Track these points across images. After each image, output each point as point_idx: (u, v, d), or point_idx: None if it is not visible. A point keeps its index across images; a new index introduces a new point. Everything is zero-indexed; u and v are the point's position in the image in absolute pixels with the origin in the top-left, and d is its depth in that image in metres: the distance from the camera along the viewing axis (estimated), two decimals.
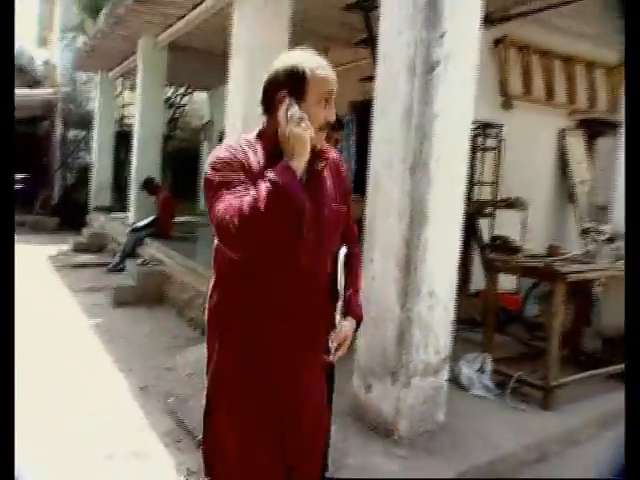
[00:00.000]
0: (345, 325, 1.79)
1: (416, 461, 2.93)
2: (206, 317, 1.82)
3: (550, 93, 6.41)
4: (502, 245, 4.49)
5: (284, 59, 1.67)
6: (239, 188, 1.55)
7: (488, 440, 3.25)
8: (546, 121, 6.44)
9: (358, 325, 1.88)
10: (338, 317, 1.76)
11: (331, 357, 1.76)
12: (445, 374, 3.23)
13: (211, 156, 1.67)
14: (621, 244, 4.34)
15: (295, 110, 1.55)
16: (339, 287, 1.76)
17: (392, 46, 3.07)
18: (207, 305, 1.81)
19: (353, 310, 1.85)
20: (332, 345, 1.74)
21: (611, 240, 4.33)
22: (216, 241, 1.71)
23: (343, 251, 1.81)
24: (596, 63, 6.87)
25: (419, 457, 2.97)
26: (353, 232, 1.96)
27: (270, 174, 1.51)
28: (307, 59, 1.66)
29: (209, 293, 1.80)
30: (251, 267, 1.66)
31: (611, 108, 6.81)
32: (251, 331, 1.71)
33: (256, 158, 1.65)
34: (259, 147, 1.69)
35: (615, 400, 3.76)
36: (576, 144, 6.61)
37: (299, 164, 1.54)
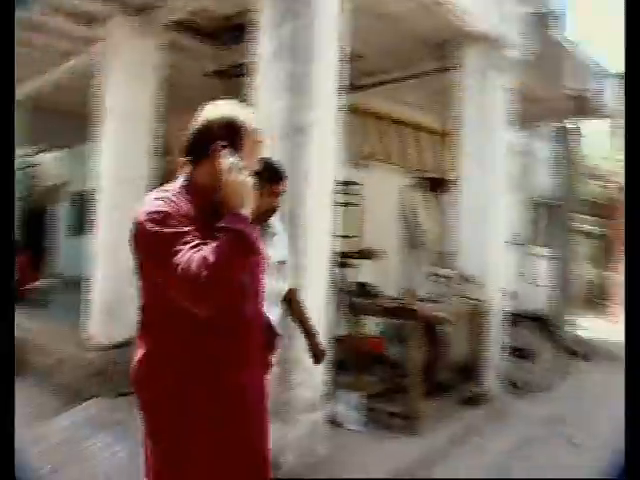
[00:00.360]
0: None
1: None
2: (138, 391, 1.72)
3: (401, 155, 7.25)
4: (364, 291, 4.96)
5: (215, 110, 1.68)
6: (190, 239, 1.51)
7: (365, 468, 3.54)
8: (396, 178, 7.26)
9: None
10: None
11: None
12: (322, 410, 3.50)
13: (145, 210, 1.58)
14: (467, 286, 5.02)
15: (236, 160, 1.58)
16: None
17: (269, 110, 3.43)
18: (136, 378, 1.71)
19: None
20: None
21: (463, 281, 5.00)
22: (142, 302, 1.67)
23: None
24: (435, 130, 7.92)
25: None
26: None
27: (227, 224, 1.50)
28: (240, 111, 1.70)
29: (137, 364, 1.70)
30: (198, 324, 1.59)
31: (450, 168, 7.88)
32: (200, 389, 1.66)
33: (189, 209, 1.61)
34: (186, 198, 1.64)
35: (468, 418, 4.29)
36: (414, 198, 7.47)
37: (248, 211, 1.55)
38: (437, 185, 6.04)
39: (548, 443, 4.63)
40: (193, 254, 1.46)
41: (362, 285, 5.20)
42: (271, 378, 3.25)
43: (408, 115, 7.46)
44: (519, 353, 5.88)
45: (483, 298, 5.09)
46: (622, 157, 14.23)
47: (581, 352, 7.71)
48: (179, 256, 1.46)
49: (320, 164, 3.45)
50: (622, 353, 8.61)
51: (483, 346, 5.14)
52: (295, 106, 3.34)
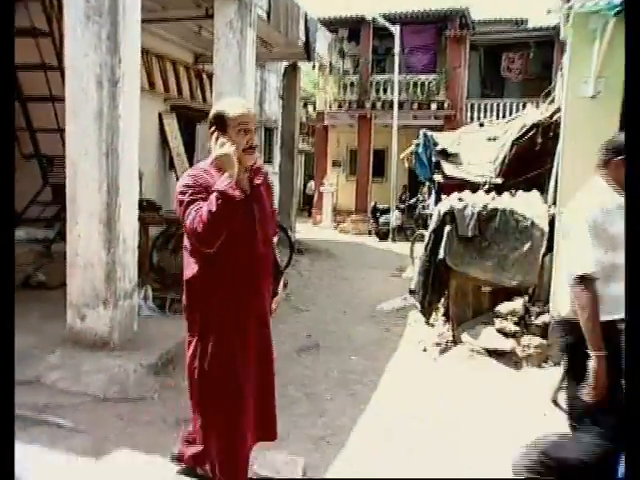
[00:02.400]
0: (279, 298, 2.72)
1: (128, 355, 4.27)
2: (186, 301, 2.50)
3: (152, 83, 7.98)
4: (148, 205, 5.93)
5: (215, 106, 2.43)
6: (198, 203, 2.20)
7: (165, 337, 4.80)
8: (150, 105, 8.03)
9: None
10: (281, 287, 2.69)
11: (273, 313, 2.66)
12: (136, 297, 4.62)
13: (179, 183, 2.34)
14: None
15: (220, 139, 2.27)
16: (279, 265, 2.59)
17: (80, 63, 4.12)
18: (187, 290, 2.47)
19: (279, 285, 2.73)
20: (274, 306, 2.68)
21: None
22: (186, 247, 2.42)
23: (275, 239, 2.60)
24: (178, 61, 8.77)
25: (130, 354, 4.32)
26: (275, 228, 2.73)
27: (215, 186, 2.20)
28: (227, 104, 2.38)
29: (184, 288, 2.48)
30: (218, 258, 2.30)
31: (197, 98, 8.89)
32: (226, 302, 2.38)
33: (212, 178, 2.29)
34: (213, 170, 2.33)
35: None
36: (171, 124, 8.42)
37: (232, 174, 2.21)
38: (190, 114, 7.10)
39: (283, 311, 6.49)
40: (195, 213, 2.19)
41: (146, 201, 6.13)
42: (97, 276, 4.19)
43: (168, 50, 8.20)
44: None
45: None
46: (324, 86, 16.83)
47: (299, 248, 9.95)
48: (187, 215, 2.22)
49: (131, 108, 4.34)
50: (319, 246, 11.37)
51: None
52: (105, 62, 4.12)
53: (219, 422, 2.44)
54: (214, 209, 2.13)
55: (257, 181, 2.44)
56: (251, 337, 2.45)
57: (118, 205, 4.25)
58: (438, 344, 5.25)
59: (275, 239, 2.62)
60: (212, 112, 2.35)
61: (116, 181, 4.23)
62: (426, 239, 5.48)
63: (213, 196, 2.16)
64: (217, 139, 2.27)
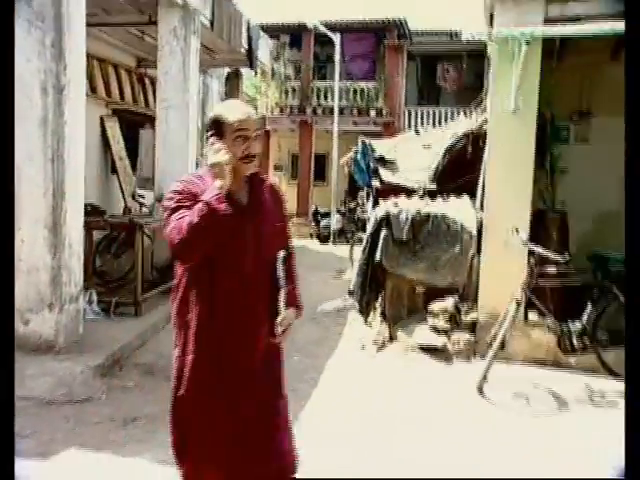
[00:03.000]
0: (289, 314, 2.15)
1: (74, 358, 4.34)
2: (172, 314, 2.22)
3: (93, 87, 7.94)
4: (92, 210, 5.95)
5: (213, 110, 2.17)
6: (183, 212, 1.99)
7: (111, 339, 4.87)
8: (92, 109, 7.98)
9: (298, 315, 2.27)
10: (282, 306, 2.12)
11: (277, 339, 2.15)
12: (82, 301, 4.68)
13: (169, 189, 2.13)
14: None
15: (215, 145, 2.05)
16: (281, 283, 2.12)
17: (23, 69, 4.16)
18: (172, 305, 2.21)
19: (294, 301, 2.23)
20: (278, 330, 2.12)
21: (159, 200, 6.40)
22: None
23: (281, 254, 2.18)
24: (120, 65, 8.75)
25: (76, 357, 4.38)
26: (288, 242, 2.35)
27: (203, 197, 1.98)
28: (226, 108, 2.13)
29: (172, 297, 2.21)
30: (203, 274, 2.08)
31: (139, 102, 8.87)
32: (207, 324, 2.11)
33: (202, 187, 2.06)
34: (209, 178, 2.09)
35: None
36: (113, 128, 8.39)
37: (222, 182, 1.99)
38: (134, 119, 7.15)
39: None
40: (175, 222, 1.99)
41: (90, 205, 6.14)
42: (42, 280, 4.23)
43: (109, 54, 8.17)
44: None
45: None
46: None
47: None
48: (169, 223, 2.02)
49: (76, 115, 4.41)
50: None
51: None
52: (50, 69, 4.18)
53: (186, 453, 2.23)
54: (195, 220, 1.94)
55: (264, 193, 2.21)
56: (239, 371, 2.15)
57: (64, 210, 4.32)
58: (376, 342, 5.55)
59: (280, 255, 2.21)
60: (210, 115, 2.14)
61: (62, 186, 4.29)
62: (364, 242, 5.78)
63: (197, 206, 1.96)
64: (212, 145, 2.07)
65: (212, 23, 7.36)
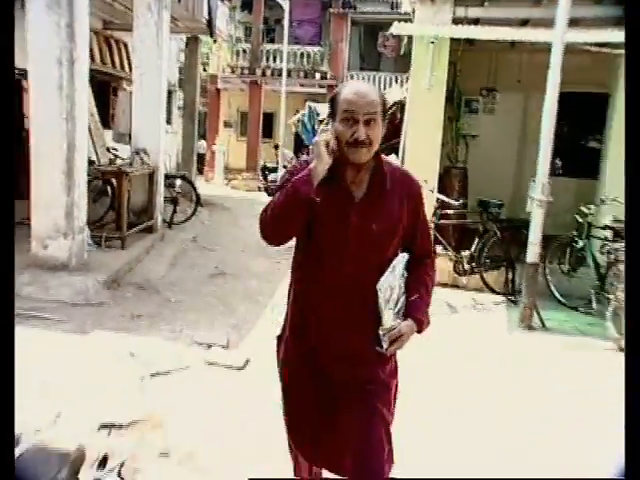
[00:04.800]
0: (402, 326, 1.86)
1: (85, 274, 5.58)
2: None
3: None
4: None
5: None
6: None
7: (108, 264, 6.12)
8: None
9: (421, 329, 1.93)
10: (389, 316, 1.86)
11: (383, 350, 1.86)
12: (86, 232, 5.90)
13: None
14: (141, 156, 7.59)
15: (322, 126, 2.42)
16: (381, 284, 1.84)
17: (44, 46, 5.24)
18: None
19: (414, 313, 1.91)
20: (384, 339, 1.85)
21: (137, 153, 7.55)
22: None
23: (401, 259, 1.91)
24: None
25: (86, 274, 5.63)
26: (426, 248, 2.06)
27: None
28: (343, 86, 1.90)
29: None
30: (306, 269, 1.97)
31: (107, 63, 9.78)
32: (306, 323, 1.99)
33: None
34: None
35: (149, 240, 7.21)
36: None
37: (317, 165, 1.80)
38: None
39: (193, 250, 7.97)
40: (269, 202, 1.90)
41: None
42: (58, 215, 5.43)
43: None
44: (170, 199, 8.89)
45: (152, 164, 7.82)
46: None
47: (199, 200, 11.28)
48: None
49: (83, 83, 5.54)
50: (214, 200, 12.78)
51: (153, 196, 7.96)
52: (68, 46, 5.29)
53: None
54: (277, 201, 1.85)
55: (382, 184, 1.92)
56: (330, 383, 1.97)
57: (75, 159, 5.48)
58: None
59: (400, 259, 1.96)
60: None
61: (74, 140, 5.44)
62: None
63: (284, 189, 1.86)
64: (326, 124, 2.24)
65: None
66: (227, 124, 20.57)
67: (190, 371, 4.06)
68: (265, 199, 15.82)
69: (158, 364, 4.09)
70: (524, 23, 6.81)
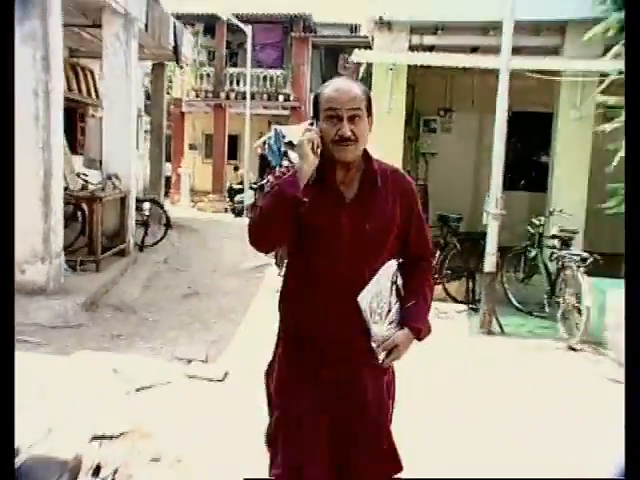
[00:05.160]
0: (397, 335, 1.79)
1: (63, 298, 5.73)
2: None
3: None
4: None
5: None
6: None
7: (84, 287, 6.26)
8: None
9: (419, 337, 1.85)
10: (385, 327, 1.78)
11: (380, 361, 1.80)
12: (62, 256, 6.05)
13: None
14: (113, 181, 7.78)
15: (306, 125, 1.86)
16: (362, 297, 1.75)
17: (19, 78, 5.42)
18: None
19: (410, 321, 1.84)
20: (377, 350, 1.77)
21: (109, 179, 7.74)
22: None
23: (385, 268, 1.82)
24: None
25: (64, 297, 5.77)
26: (422, 247, 1.97)
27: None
28: (324, 85, 1.85)
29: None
30: (298, 271, 1.92)
31: (73, 89, 9.94)
32: (298, 326, 1.91)
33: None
34: None
35: (122, 262, 7.39)
36: None
37: (302, 165, 1.74)
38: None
39: (165, 272, 8.16)
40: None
41: None
42: (35, 240, 5.60)
43: None
44: (141, 222, 9.06)
45: (124, 188, 8.01)
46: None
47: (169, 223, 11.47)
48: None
49: (57, 113, 5.74)
50: (182, 222, 12.98)
51: (125, 220, 8.13)
52: (43, 78, 5.50)
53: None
54: (264, 204, 1.81)
55: (372, 184, 1.87)
56: (323, 391, 1.88)
57: (52, 186, 5.67)
58: None
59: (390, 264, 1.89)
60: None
61: (50, 168, 5.63)
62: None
63: (269, 191, 1.84)
64: (310, 125, 1.87)
65: (147, 26, 8.65)
66: (192, 147, 20.77)
67: (173, 385, 4.27)
68: (232, 220, 16.15)
69: (141, 379, 4.29)
70: (474, 50, 7.32)
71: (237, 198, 16.83)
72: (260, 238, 1.87)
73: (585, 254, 5.27)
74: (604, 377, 4.76)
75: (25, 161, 5.54)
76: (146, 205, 9.27)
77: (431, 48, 7.09)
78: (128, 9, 7.80)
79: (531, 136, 9.16)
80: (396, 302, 1.85)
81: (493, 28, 6.46)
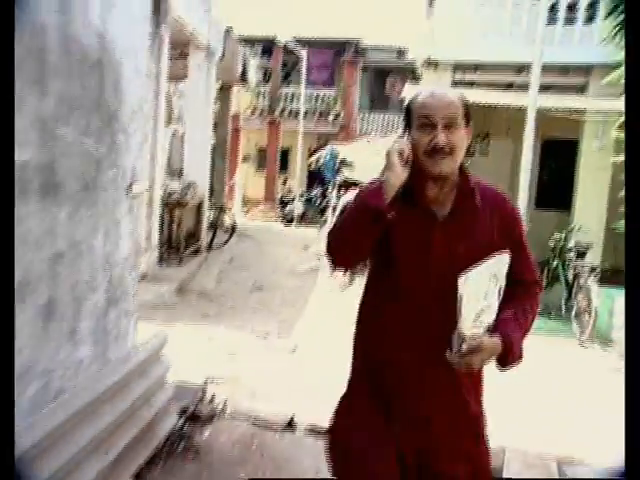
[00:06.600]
0: (485, 338, 1.57)
1: (159, 284, 7.00)
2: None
3: None
4: None
5: None
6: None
7: (173, 276, 7.53)
8: None
9: (506, 352, 1.60)
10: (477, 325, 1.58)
11: (451, 357, 1.57)
12: (156, 251, 7.34)
13: None
14: (194, 188, 9.08)
15: (397, 137, 1.78)
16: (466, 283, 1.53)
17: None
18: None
19: (505, 330, 1.62)
20: (456, 344, 1.55)
21: (188, 187, 9.05)
22: None
23: (501, 257, 1.61)
24: None
25: (159, 284, 7.05)
26: (523, 272, 1.77)
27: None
28: (417, 92, 1.74)
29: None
30: (380, 300, 1.79)
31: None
32: (378, 341, 1.77)
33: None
34: None
35: (198, 258, 8.68)
36: None
37: (388, 176, 1.60)
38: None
39: (232, 270, 9.41)
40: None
41: None
42: None
43: None
44: (212, 227, 10.37)
45: (200, 195, 9.32)
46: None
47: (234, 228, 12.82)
48: None
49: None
50: (238, 229, 14.27)
51: (200, 223, 9.44)
52: None
53: None
54: (345, 216, 1.74)
55: (476, 202, 1.70)
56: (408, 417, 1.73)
57: (154, 190, 6.96)
58: (340, 285, 8.45)
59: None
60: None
61: (154, 176, 6.93)
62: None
63: (353, 204, 1.73)
64: (400, 137, 1.74)
65: (222, 56, 10.02)
66: (245, 159, 22.21)
67: (256, 351, 5.46)
68: (282, 228, 17.40)
69: (231, 347, 5.49)
70: (510, 85, 8.37)
71: (287, 208, 18.10)
72: (340, 253, 1.76)
73: (595, 264, 6.25)
74: (608, 368, 5.72)
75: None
76: (215, 211, 10.58)
77: (472, 84, 8.17)
78: (210, 43, 9.17)
79: (562, 160, 10.10)
80: (491, 306, 1.62)
81: (525, 68, 7.52)
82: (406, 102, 1.75)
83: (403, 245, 1.71)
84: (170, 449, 3.26)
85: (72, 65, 2.26)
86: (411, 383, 1.72)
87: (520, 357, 1.67)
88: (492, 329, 1.61)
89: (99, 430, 2.52)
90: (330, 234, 1.76)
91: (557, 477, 3.26)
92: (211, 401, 4.19)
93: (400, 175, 1.62)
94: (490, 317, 1.61)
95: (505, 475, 3.42)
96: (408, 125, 1.72)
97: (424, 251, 1.69)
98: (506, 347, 1.60)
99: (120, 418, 2.73)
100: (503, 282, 1.64)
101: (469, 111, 1.68)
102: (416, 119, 1.67)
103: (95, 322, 2.64)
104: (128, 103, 2.82)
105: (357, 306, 1.91)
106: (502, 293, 1.64)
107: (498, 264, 1.61)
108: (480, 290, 1.58)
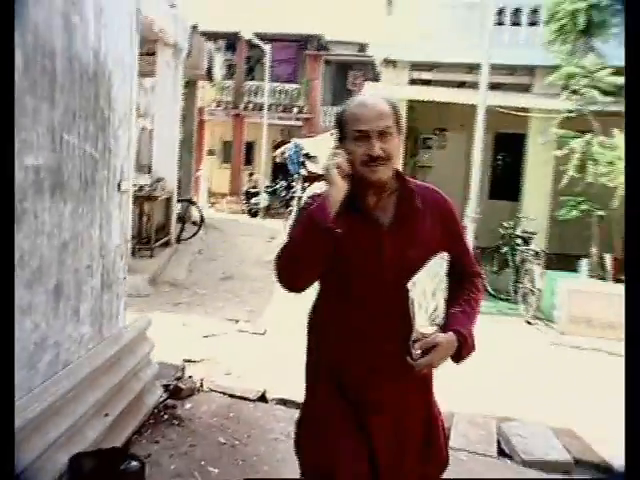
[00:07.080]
0: (439, 336, 1.60)
1: (132, 276, 7.30)
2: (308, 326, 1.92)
3: None
4: None
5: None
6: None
7: (145, 268, 7.83)
8: None
9: (461, 346, 1.65)
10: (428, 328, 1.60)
11: (413, 361, 1.59)
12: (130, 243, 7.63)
13: None
14: (161, 183, 9.36)
15: (333, 149, 1.70)
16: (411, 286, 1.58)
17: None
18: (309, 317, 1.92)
19: (455, 326, 1.66)
20: (414, 347, 1.59)
21: (158, 182, 9.32)
22: None
23: (440, 260, 1.63)
24: None
25: (132, 275, 7.35)
26: (464, 263, 1.83)
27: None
28: (347, 103, 1.74)
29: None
30: (333, 297, 1.80)
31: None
32: (332, 347, 1.80)
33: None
34: None
35: (168, 251, 8.99)
36: None
37: (331, 192, 1.62)
38: None
39: (201, 260, 9.74)
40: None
41: None
42: None
43: None
44: (181, 220, 10.65)
45: (169, 189, 9.60)
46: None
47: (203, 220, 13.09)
48: None
49: None
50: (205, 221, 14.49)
51: (169, 216, 9.73)
52: None
53: None
54: (292, 237, 1.73)
55: (418, 205, 1.74)
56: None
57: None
58: None
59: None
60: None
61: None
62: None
63: (300, 219, 1.73)
64: (335, 149, 1.71)
65: (189, 53, 10.27)
66: (210, 152, 22.37)
67: (228, 335, 5.86)
68: (248, 220, 17.72)
69: (204, 331, 5.87)
70: (463, 84, 8.92)
71: (253, 200, 18.41)
72: (291, 275, 1.73)
73: (538, 249, 6.86)
74: (550, 342, 6.33)
75: None
76: (183, 204, 10.86)
77: (428, 82, 8.68)
78: (177, 41, 9.43)
79: (513, 154, 10.75)
80: (437, 304, 1.64)
81: (477, 68, 8.06)
82: (337, 114, 1.77)
83: (352, 254, 1.71)
84: (157, 418, 3.65)
85: (74, 80, 2.61)
86: (368, 389, 1.76)
87: (473, 348, 1.72)
88: (443, 326, 1.64)
89: (98, 398, 2.89)
90: (279, 257, 1.73)
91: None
92: (190, 377, 4.58)
93: (341, 188, 1.65)
94: (440, 314, 1.65)
95: (453, 433, 3.93)
96: (341, 138, 1.74)
97: (374, 259, 1.71)
98: (460, 342, 1.65)
99: (114, 388, 3.11)
100: (446, 282, 1.66)
101: (400, 118, 1.73)
102: (350, 132, 1.69)
103: (93, 303, 3.00)
104: (118, 109, 3.18)
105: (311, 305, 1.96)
106: (447, 288, 1.66)
107: (439, 261, 1.64)
108: (428, 290, 1.62)
